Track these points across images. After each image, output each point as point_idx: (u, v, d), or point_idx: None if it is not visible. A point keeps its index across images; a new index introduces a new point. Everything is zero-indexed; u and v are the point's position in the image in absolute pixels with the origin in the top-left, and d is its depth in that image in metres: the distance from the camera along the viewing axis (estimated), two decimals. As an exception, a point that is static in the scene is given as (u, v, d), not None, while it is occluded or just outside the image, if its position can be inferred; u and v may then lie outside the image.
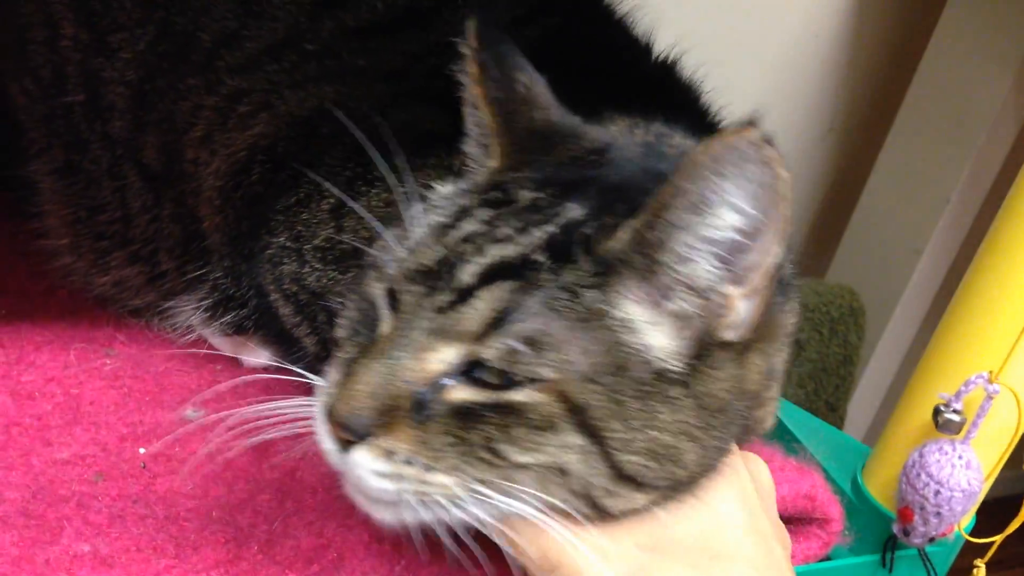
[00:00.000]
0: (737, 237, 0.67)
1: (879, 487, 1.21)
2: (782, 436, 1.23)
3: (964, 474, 1.06)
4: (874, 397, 2.26)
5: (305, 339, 1.10)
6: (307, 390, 0.80)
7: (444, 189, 0.84)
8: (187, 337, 1.19)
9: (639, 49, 1.19)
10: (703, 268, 0.69)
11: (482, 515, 0.71)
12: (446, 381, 0.70)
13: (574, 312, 0.68)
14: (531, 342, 0.67)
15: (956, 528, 1.12)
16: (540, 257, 0.70)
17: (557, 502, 0.70)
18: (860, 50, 2.02)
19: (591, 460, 0.69)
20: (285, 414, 0.78)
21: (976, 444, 1.06)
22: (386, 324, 0.74)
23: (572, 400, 0.68)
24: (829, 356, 2.02)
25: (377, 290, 0.76)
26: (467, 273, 0.70)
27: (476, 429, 0.69)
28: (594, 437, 0.68)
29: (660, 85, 1.17)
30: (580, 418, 0.68)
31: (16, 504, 0.90)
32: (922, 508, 1.08)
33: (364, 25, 1.11)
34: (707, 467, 0.74)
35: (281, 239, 1.06)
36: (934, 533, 1.10)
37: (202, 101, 1.11)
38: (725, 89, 1.92)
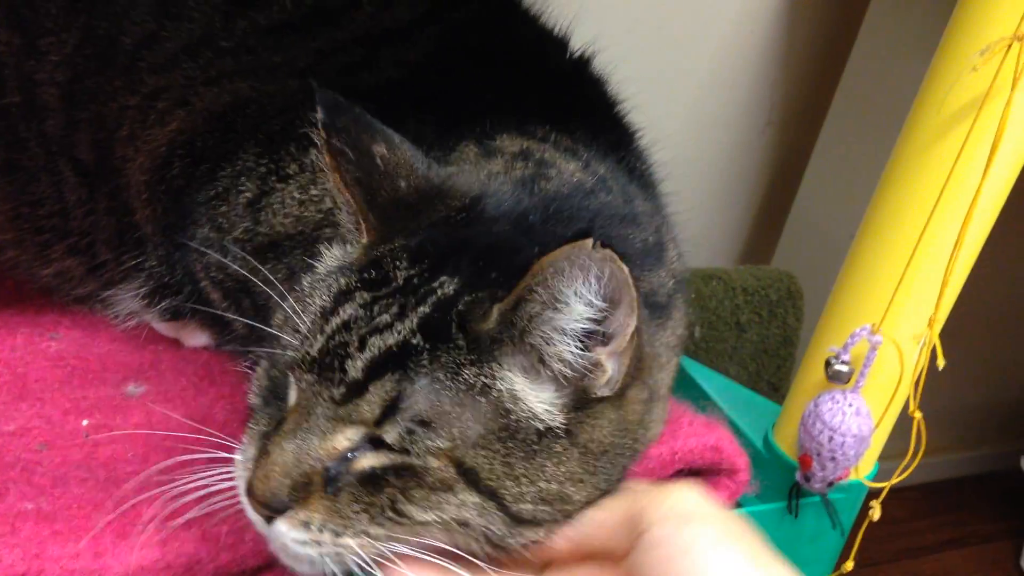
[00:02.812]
0: (591, 326, 0.75)
1: (786, 440, 1.29)
2: (694, 395, 1.30)
3: (855, 420, 1.14)
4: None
5: (235, 322, 1.16)
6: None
7: (330, 254, 0.88)
8: (129, 323, 1.26)
9: (552, 42, 1.25)
10: (566, 349, 0.75)
11: (391, 567, 0.78)
12: (352, 455, 0.76)
13: (458, 388, 0.74)
14: (423, 423, 0.73)
15: (853, 474, 1.20)
16: (418, 341, 0.75)
17: (461, 546, 0.78)
18: (792, 48, 2.08)
19: (488, 513, 0.76)
20: (210, 487, 0.84)
21: (866, 392, 1.14)
22: (294, 396, 0.80)
23: (465, 464, 0.74)
24: (769, 337, 2.08)
25: (283, 364, 0.82)
26: (355, 368, 0.75)
27: (381, 493, 0.75)
28: (489, 495, 0.75)
29: (570, 79, 1.23)
30: (473, 479, 0.75)
31: (-37, 471, 0.97)
32: (818, 454, 1.16)
33: (275, 24, 1.17)
34: (596, 498, 0.80)
35: (205, 230, 1.12)
36: (831, 477, 1.17)
37: (127, 101, 1.16)
38: (666, 85, 1.98)
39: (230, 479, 0.84)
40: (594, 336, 0.75)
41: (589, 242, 0.68)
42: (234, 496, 0.84)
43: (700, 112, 1.87)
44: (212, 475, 0.84)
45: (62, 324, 1.24)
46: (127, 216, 1.19)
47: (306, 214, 1.06)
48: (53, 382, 1.13)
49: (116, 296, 1.24)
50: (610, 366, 0.77)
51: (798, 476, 1.20)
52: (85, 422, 1.08)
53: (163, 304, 1.21)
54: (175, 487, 0.88)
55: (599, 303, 0.73)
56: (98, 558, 0.89)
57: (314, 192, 1.07)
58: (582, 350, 0.75)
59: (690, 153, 2.03)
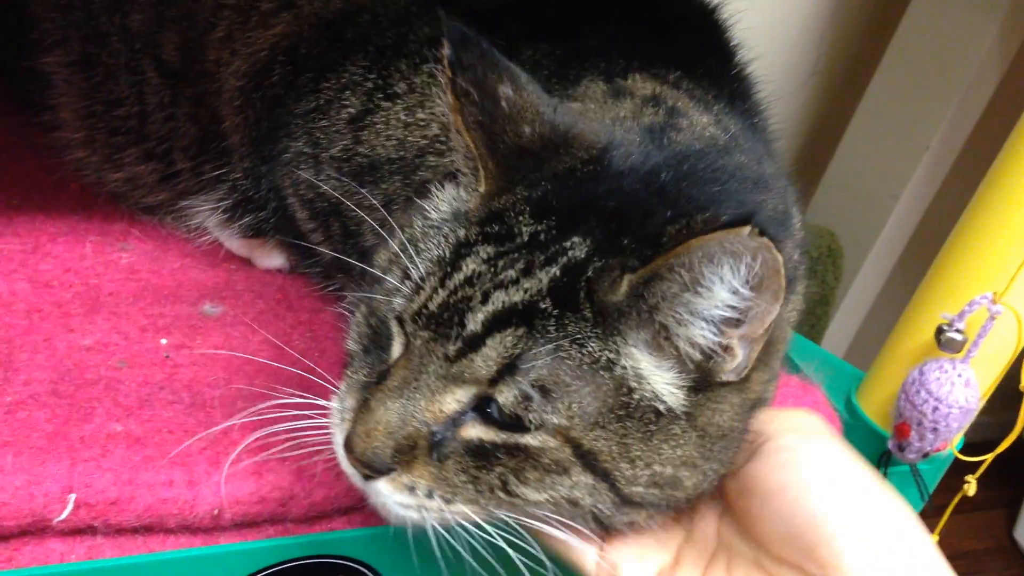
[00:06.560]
0: (730, 313, 0.69)
1: (873, 407, 1.24)
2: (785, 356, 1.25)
3: (963, 392, 1.09)
4: (845, 336, 2.30)
5: (321, 245, 1.10)
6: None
7: (442, 195, 0.82)
8: (202, 239, 1.19)
9: None
10: (699, 333, 0.70)
11: (496, 534, 0.74)
12: (461, 418, 0.71)
13: (581, 361, 0.69)
14: (542, 389, 0.68)
15: (948, 446, 1.16)
16: (545, 304, 0.69)
17: (566, 521, 0.74)
18: (847, -5, 2.03)
19: (599, 494, 0.72)
20: (302, 429, 0.80)
21: (974, 363, 1.10)
22: (398, 347, 0.75)
23: (582, 445, 0.69)
24: (807, 295, 2.04)
25: (387, 311, 0.76)
26: (474, 322, 0.70)
27: (491, 470, 0.71)
28: (603, 476, 0.71)
29: (697, 22, 1.15)
30: (589, 461, 0.70)
31: (45, 384, 0.91)
32: (919, 424, 1.11)
33: None
34: (703, 490, 0.76)
35: (299, 144, 1.06)
36: (929, 448, 1.13)
37: (223, 0, 1.09)
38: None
39: (324, 422, 0.79)
40: (730, 322, 0.69)
41: (746, 229, 0.62)
42: (326, 437, 0.79)
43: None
44: (305, 415, 0.80)
45: (132, 234, 1.17)
46: (212, 124, 1.12)
47: (410, 138, 0.99)
48: (127, 296, 1.07)
49: (191, 208, 1.17)
50: (741, 352, 0.72)
51: (890, 445, 1.16)
52: (164, 341, 1.02)
53: (245, 220, 1.15)
54: (268, 427, 0.84)
55: (745, 291, 0.67)
56: (192, 487, 0.85)
57: (421, 116, 0.99)
58: (715, 335, 0.70)
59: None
